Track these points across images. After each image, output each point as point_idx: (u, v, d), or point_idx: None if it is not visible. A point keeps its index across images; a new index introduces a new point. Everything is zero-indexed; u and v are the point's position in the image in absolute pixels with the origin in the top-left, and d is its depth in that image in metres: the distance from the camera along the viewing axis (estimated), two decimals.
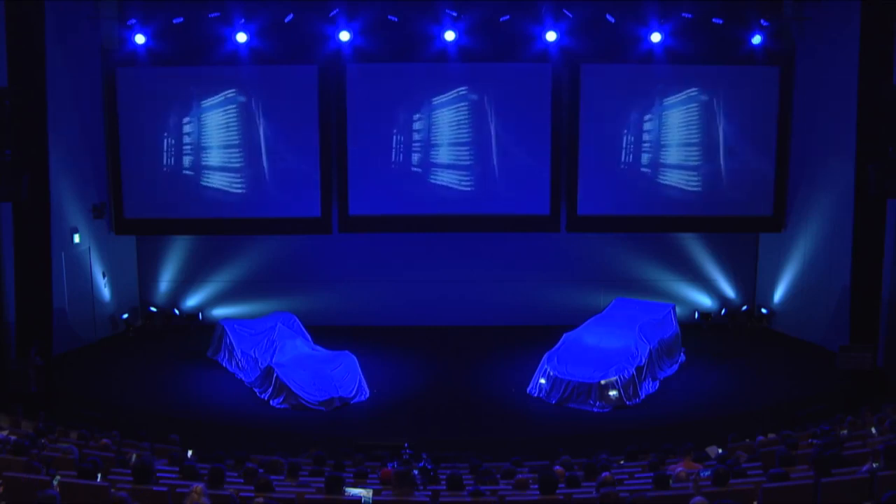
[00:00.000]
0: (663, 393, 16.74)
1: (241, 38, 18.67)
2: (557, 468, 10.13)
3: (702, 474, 9.22)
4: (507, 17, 18.62)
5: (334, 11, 18.64)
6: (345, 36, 18.75)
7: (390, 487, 9.13)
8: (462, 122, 19.74)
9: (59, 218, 17.95)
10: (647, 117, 19.69)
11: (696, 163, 19.85)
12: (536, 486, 9.00)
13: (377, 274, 20.68)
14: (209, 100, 19.58)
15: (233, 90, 19.55)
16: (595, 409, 15.84)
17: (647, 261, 20.73)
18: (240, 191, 19.92)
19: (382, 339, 19.40)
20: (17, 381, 15.44)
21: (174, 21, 18.54)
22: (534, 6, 18.62)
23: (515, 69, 19.53)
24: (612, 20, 18.67)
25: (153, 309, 20.89)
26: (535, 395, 16.52)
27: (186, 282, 20.90)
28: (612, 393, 15.86)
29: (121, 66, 19.24)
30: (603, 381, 15.94)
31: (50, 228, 16.53)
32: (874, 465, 8.57)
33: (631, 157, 19.83)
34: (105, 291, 20.05)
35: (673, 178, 19.89)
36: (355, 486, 9.41)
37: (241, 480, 9.52)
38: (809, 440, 11.49)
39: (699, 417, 15.76)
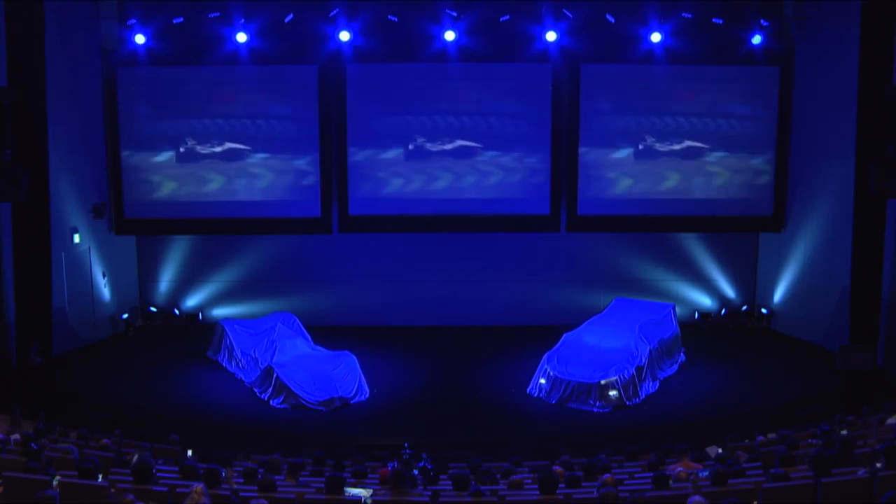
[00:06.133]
0: (663, 393, 16.74)
1: (241, 38, 18.67)
2: (557, 468, 10.13)
3: (700, 474, 9.21)
4: (507, 17, 18.62)
5: (334, 11, 18.64)
6: (345, 36, 18.75)
7: (387, 487, 9.14)
8: (462, 121, 19.74)
9: (59, 218, 17.95)
10: (646, 117, 19.69)
11: (696, 163, 19.84)
12: (535, 486, 9.00)
13: (377, 274, 20.68)
14: (209, 100, 19.58)
15: (233, 90, 19.55)
16: (595, 409, 15.84)
17: (647, 261, 20.73)
18: (240, 191, 19.91)
19: (382, 339, 19.39)
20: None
21: (174, 21, 18.53)
22: (534, 6, 18.62)
23: (515, 69, 19.54)
24: (612, 20, 18.66)
25: (153, 309, 20.88)
26: (535, 395, 16.52)
27: (186, 282, 20.89)
28: (612, 393, 15.86)
29: (121, 66, 19.24)
30: (603, 381, 15.94)
31: (50, 228, 16.53)
32: (877, 465, 8.56)
33: (631, 156, 19.83)
34: (105, 291, 20.05)
35: (673, 179, 19.89)
36: (355, 486, 9.41)
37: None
38: (809, 440, 11.48)
39: (699, 417, 15.77)
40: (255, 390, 16.73)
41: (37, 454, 9.85)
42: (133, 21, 18.69)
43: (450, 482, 9.57)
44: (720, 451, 12.05)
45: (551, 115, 19.67)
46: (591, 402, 15.89)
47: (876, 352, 16.09)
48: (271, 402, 16.25)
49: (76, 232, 19.09)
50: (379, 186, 20.01)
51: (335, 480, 8.61)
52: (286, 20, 18.66)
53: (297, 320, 18.58)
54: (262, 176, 19.89)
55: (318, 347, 17.68)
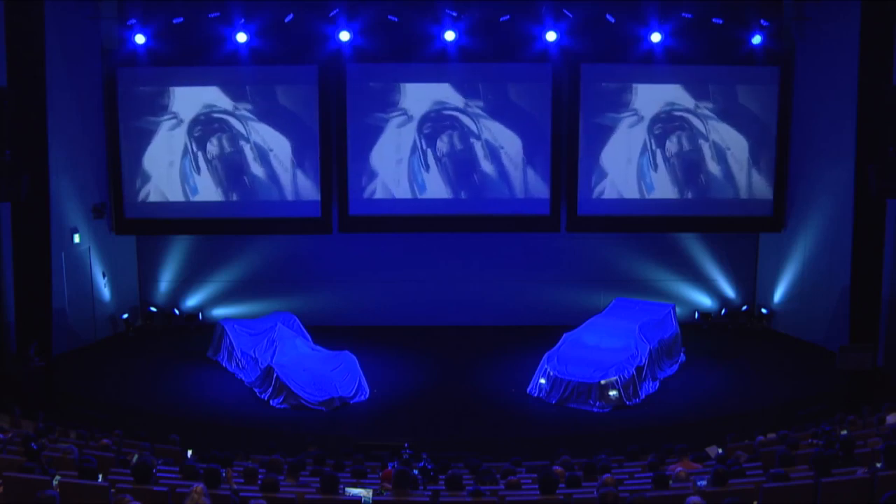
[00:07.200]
0: (663, 393, 16.74)
1: (241, 38, 18.67)
2: (557, 468, 10.13)
3: (698, 483, 9.10)
4: (507, 17, 18.62)
5: (334, 11, 18.65)
6: (345, 36, 18.75)
7: (390, 487, 9.14)
8: (462, 122, 19.74)
9: (59, 218, 17.95)
10: (646, 117, 19.69)
11: (696, 163, 19.85)
12: (533, 486, 8.99)
13: (377, 274, 20.68)
14: (209, 100, 19.58)
15: (233, 90, 19.56)
16: (595, 409, 15.84)
17: (647, 261, 20.72)
18: (240, 191, 19.93)
19: (382, 339, 19.39)
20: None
21: (174, 21, 18.54)
22: (534, 6, 18.62)
23: (515, 69, 19.54)
24: (612, 20, 18.67)
25: (153, 309, 20.88)
26: (535, 395, 16.52)
27: (186, 282, 20.89)
28: (612, 393, 15.86)
29: (121, 66, 19.25)
30: (603, 381, 15.94)
31: (50, 228, 16.52)
32: (877, 465, 8.56)
33: (631, 156, 19.83)
34: (105, 291, 20.05)
35: (673, 178, 19.90)
36: (356, 486, 9.41)
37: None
38: (809, 440, 11.49)
39: (699, 417, 15.77)
40: (255, 390, 16.73)
41: (37, 454, 9.84)
42: (133, 21, 18.70)
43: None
44: (720, 451, 12.06)
45: (551, 114, 19.67)
46: (591, 402, 15.89)
47: (876, 352, 16.09)
48: (271, 402, 16.25)
49: (76, 232, 19.08)
50: (379, 186, 20.02)
51: (330, 479, 8.62)
52: (286, 20, 18.67)
53: (297, 320, 18.59)
54: (262, 176, 19.89)
55: (318, 347, 17.68)
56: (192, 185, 19.87)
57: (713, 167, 19.87)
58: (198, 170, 19.81)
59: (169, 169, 19.80)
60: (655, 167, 19.86)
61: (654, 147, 19.79)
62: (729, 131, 19.71)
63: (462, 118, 19.73)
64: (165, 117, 19.62)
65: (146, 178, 19.80)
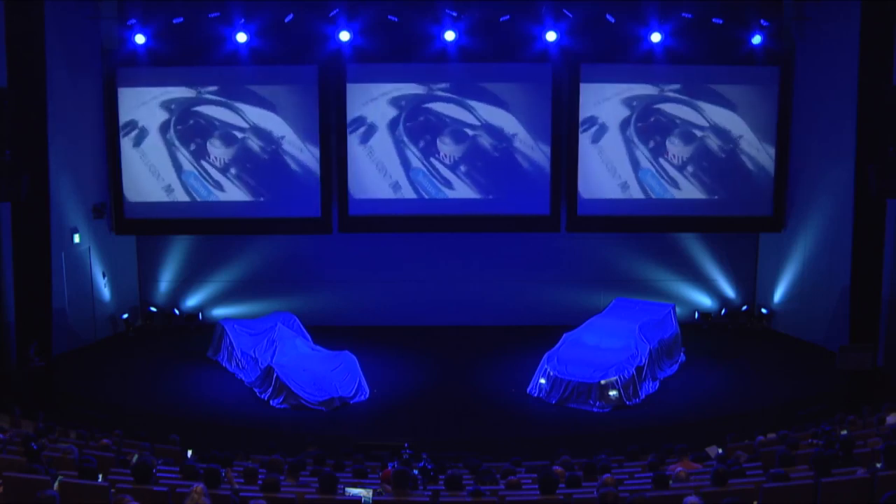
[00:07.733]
0: (663, 393, 16.75)
1: (241, 38, 18.68)
2: (557, 468, 10.13)
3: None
4: (507, 17, 18.64)
5: (334, 11, 18.66)
6: (345, 36, 18.76)
7: (390, 488, 9.14)
8: (462, 122, 19.75)
9: (58, 218, 17.94)
10: (646, 117, 19.69)
11: (695, 163, 19.86)
12: (533, 486, 8.99)
13: (377, 274, 20.68)
14: (209, 100, 19.59)
15: (233, 90, 19.56)
16: (595, 409, 15.84)
17: (647, 261, 20.73)
18: (240, 191, 19.93)
19: (382, 339, 19.40)
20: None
21: (174, 21, 18.55)
22: (534, 6, 18.63)
23: (515, 69, 19.55)
24: (612, 20, 18.68)
25: (153, 309, 20.88)
26: (535, 395, 16.52)
27: (186, 282, 20.89)
28: (612, 393, 15.87)
29: (121, 66, 19.26)
30: (603, 381, 15.95)
31: (50, 228, 16.51)
32: (877, 465, 8.56)
33: (631, 156, 19.84)
34: (105, 291, 20.05)
35: (673, 179, 19.90)
36: (356, 486, 9.41)
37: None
38: (809, 440, 11.49)
39: (699, 417, 15.78)
40: (255, 390, 16.73)
41: (37, 454, 9.84)
42: (133, 21, 18.71)
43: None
44: (720, 451, 12.06)
45: (551, 115, 19.68)
46: (591, 402, 15.90)
47: (876, 352, 16.09)
48: (271, 402, 16.25)
49: (76, 232, 19.09)
50: (379, 186, 20.01)
51: (328, 479, 8.61)
52: (286, 20, 18.68)
53: (297, 320, 18.59)
54: (262, 176, 19.89)
55: (318, 347, 17.68)
56: (192, 184, 19.87)
57: (713, 167, 19.86)
58: (197, 170, 19.81)
59: (168, 170, 19.79)
60: (655, 167, 19.86)
61: (653, 147, 19.80)
62: (728, 131, 19.70)
63: (461, 118, 19.73)
64: (165, 117, 19.62)
65: (146, 178, 19.79)
